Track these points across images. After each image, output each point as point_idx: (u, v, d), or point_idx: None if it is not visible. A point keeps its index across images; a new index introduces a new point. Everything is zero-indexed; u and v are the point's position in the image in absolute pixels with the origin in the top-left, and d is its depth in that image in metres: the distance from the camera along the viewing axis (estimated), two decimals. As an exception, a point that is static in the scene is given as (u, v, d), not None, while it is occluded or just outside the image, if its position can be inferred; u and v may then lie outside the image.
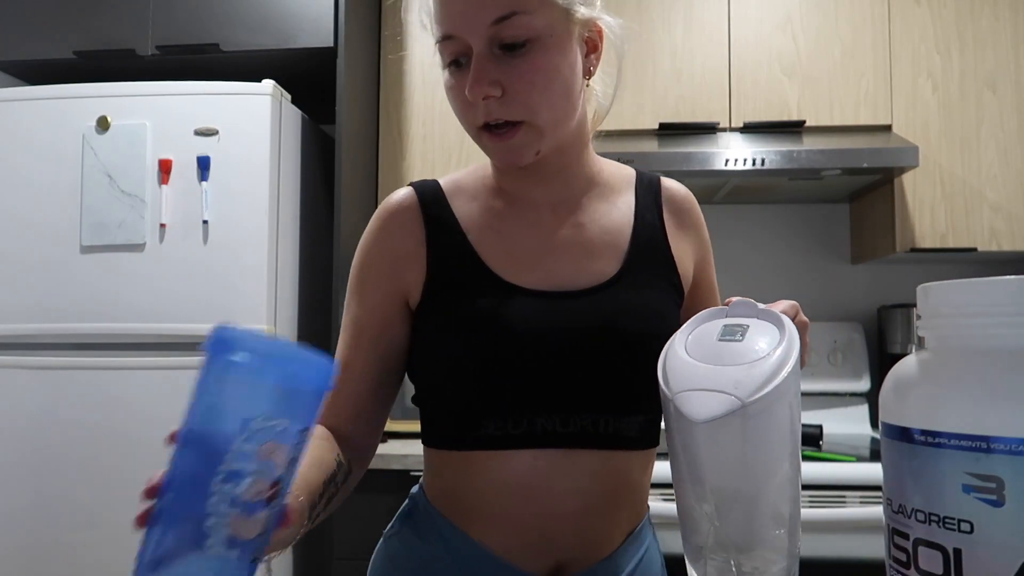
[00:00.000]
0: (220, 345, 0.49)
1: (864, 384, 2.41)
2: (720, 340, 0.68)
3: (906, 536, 0.50)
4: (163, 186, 1.98)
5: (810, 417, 2.37)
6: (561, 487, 0.80)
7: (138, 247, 1.98)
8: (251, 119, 1.99)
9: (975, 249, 2.19)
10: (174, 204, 1.98)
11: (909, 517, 0.50)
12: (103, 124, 2.01)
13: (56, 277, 1.99)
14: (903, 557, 0.50)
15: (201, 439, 0.49)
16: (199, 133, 1.99)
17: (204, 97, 2.00)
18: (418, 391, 0.89)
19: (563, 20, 0.79)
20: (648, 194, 0.94)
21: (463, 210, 0.88)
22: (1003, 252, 2.21)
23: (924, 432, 0.49)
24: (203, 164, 1.97)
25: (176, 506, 0.49)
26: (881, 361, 2.47)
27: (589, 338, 0.81)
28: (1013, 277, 0.48)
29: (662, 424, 0.73)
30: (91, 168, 2.00)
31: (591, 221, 0.88)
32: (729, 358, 0.65)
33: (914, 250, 2.21)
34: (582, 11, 0.81)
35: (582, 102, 0.84)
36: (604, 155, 0.97)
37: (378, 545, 0.93)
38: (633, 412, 0.82)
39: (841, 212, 2.60)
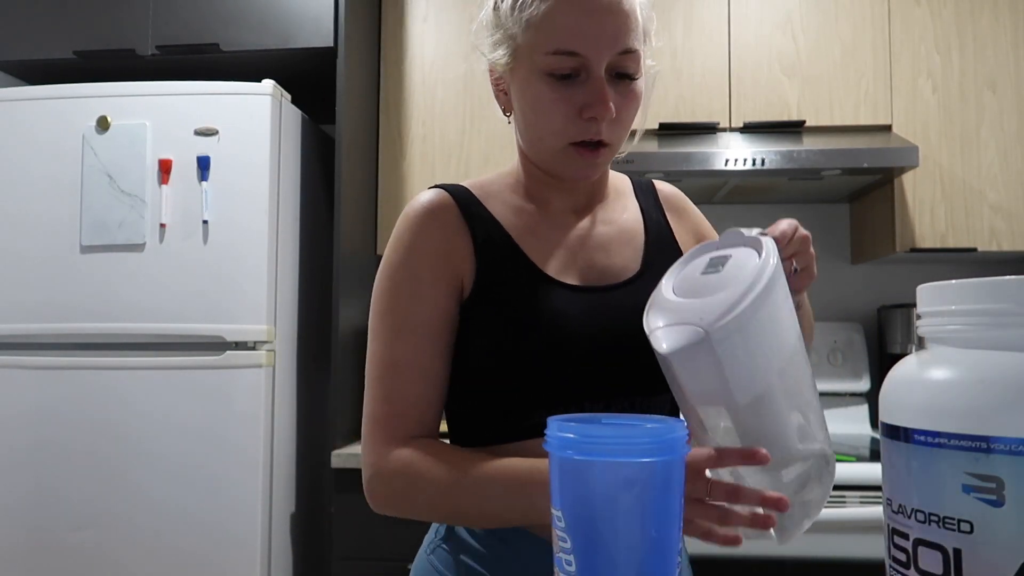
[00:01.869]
0: (666, 447, 0.53)
1: (864, 384, 2.41)
2: (703, 274, 0.72)
3: (906, 536, 0.50)
4: (163, 186, 1.98)
5: (810, 417, 2.37)
6: None
7: (138, 247, 1.98)
8: (251, 119, 1.99)
9: (975, 249, 2.19)
10: (174, 204, 1.98)
11: (909, 517, 0.50)
12: (103, 124, 2.01)
13: (56, 277, 1.99)
14: (903, 557, 0.50)
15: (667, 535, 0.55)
16: (199, 133, 1.99)
17: (204, 97, 2.00)
18: (461, 388, 0.90)
19: (643, 65, 0.88)
20: (648, 197, 1.03)
21: (498, 211, 0.92)
22: (1003, 252, 2.21)
23: (924, 432, 0.48)
24: (203, 164, 1.97)
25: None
26: (881, 361, 2.47)
27: (628, 327, 0.86)
28: (1013, 277, 0.48)
29: None
30: (91, 168, 2.00)
31: (608, 223, 0.96)
32: (706, 290, 0.69)
33: (914, 250, 2.21)
34: (649, 54, 0.91)
35: None
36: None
37: (421, 562, 0.94)
38: (663, 391, 0.88)
39: (841, 212, 2.60)
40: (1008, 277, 0.48)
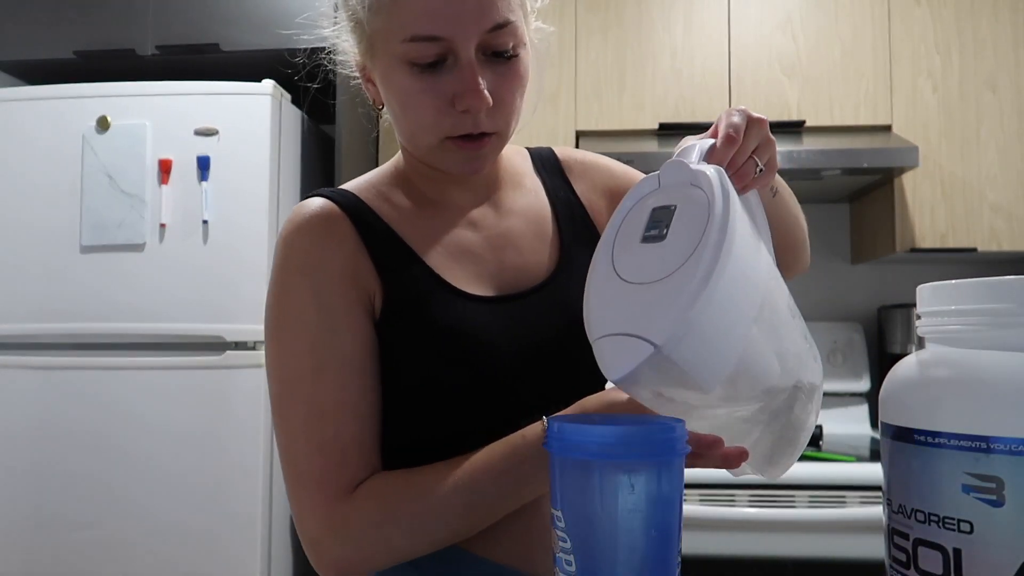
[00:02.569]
0: (666, 447, 0.52)
1: (864, 384, 2.41)
2: (644, 240, 0.59)
3: (906, 536, 0.50)
4: (163, 186, 1.98)
5: (810, 417, 2.37)
6: None
7: (138, 247, 1.98)
8: (251, 119, 1.99)
9: (975, 249, 2.19)
10: (174, 204, 1.98)
11: (909, 517, 0.49)
12: (103, 124, 2.01)
13: (56, 277, 1.99)
14: (903, 557, 0.50)
15: (668, 532, 0.53)
16: (199, 133, 1.99)
17: (204, 97, 2.00)
18: (384, 422, 0.78)
19: (526, 29, 0.77)
20: (551, 171, 0.91)
21: (391, 218, 0.80)
22: (1003, 252, 2.21)
23: (924, 432, 0.48)
24: (203, 164, 1.97)
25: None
26: (881, 361, 2.47)
27: (555, 334, 0.79)
28: (1013, 277, 0.48)
29: None
30: (91, 168, 2.00)
31: (513, 214, 0.86)
32: (648, 272, 0.57)
33: (914, 250, 2.21)
34: (532, 19, 0.79)
35: None
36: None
37: None
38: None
39: (841, 212, 2.60)
40: (1008, 277, 0.48)
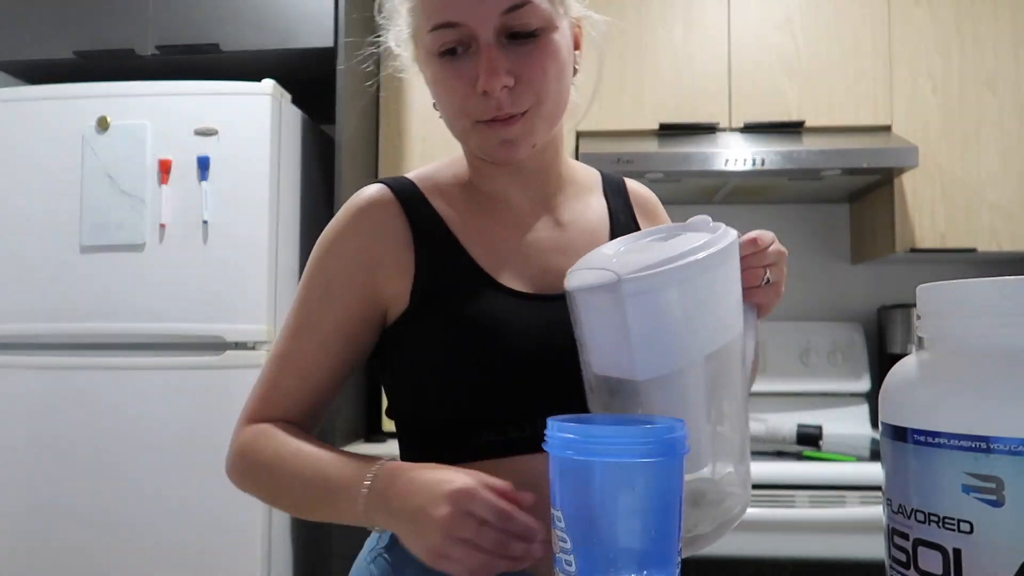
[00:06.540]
0: (666, 447, 0.53)
1: (864, 384, 2.41)
2: (649, 241, 0.67)
3: (906, 536, 0.50)
4: (163, 186, 1.98)
5: (810, 417, 2.37)
6: None
7: (138, 247, 1.98)
8: (251, 119, 1.99)
9: (975, 249, 2.19)
10: (174, 204, 1.98)
11: (909, 517, 0.49)
12: (103, 124, 2.01)
13: (56, 277, 1.99)
14: (903, 557, 0.50)
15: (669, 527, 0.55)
16: (199, 133, 1.99)
17: (204, 97, 2.00)
18: (404, 402, 0.85)
19: (561, 11, 0.80)
20: (617, 196, 0.95)
21: (444, 210, 0.84)
22: (1003, 252, 2.21)
23: (924, 432, 0.48)
24: (203, 164, 1.97)
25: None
26: (881, 361, 2.47)
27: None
28: (1013, 277, 0.48)
29: None
30: (91, 168, 2.00)
31: (570, 221, 0.88)
32: (644, 253, 0.64)
33: (914, 250, 2.21)
34: (575, 6, 0.82)
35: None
36: (604, 155, 0.96)
37: (360, 571, 0.84)
38: None
39: (841, 212, 2.60)
40: (1008, 277, 0.48)
